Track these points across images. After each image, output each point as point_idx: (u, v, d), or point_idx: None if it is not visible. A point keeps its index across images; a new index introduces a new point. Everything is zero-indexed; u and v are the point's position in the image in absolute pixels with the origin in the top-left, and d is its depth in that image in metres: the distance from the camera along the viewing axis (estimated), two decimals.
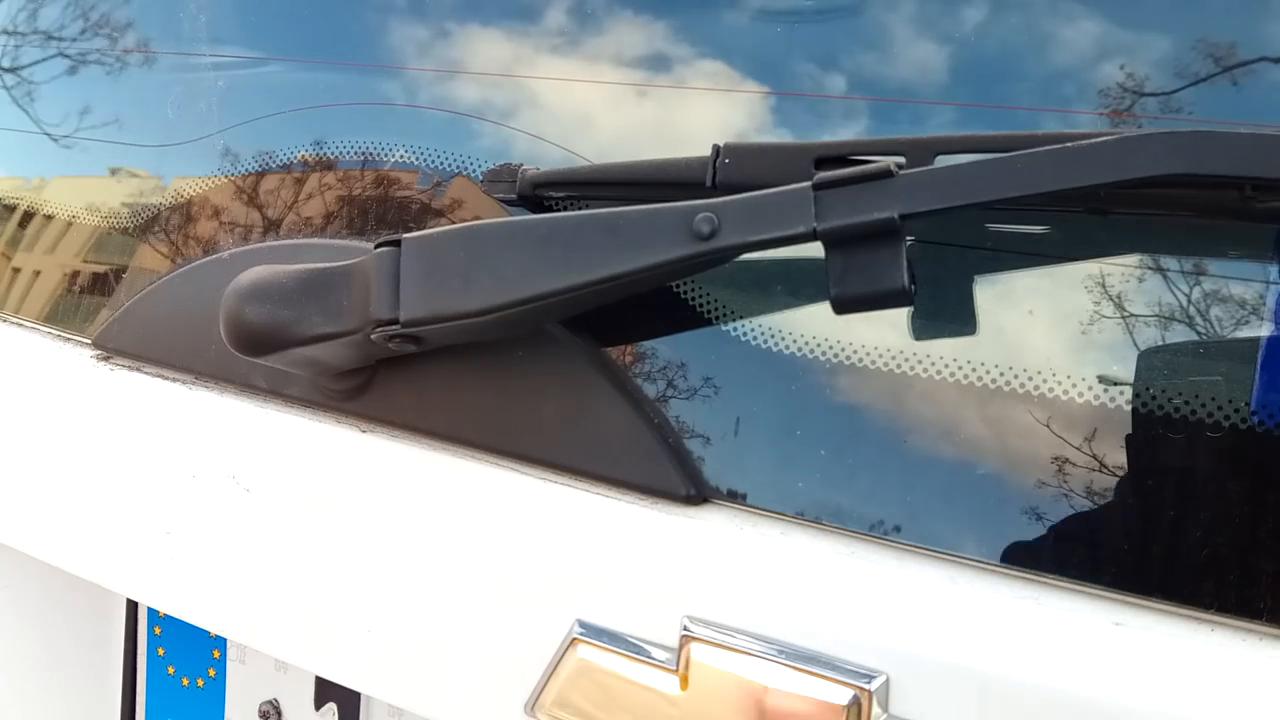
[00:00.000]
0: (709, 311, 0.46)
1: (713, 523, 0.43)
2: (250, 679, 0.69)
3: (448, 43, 0.57)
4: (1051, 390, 0.39)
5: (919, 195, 0.36)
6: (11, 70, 0.77)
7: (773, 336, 0.44)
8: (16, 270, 0.74)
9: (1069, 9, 0.43)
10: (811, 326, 0.44)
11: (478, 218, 0.53)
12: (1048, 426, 0.39)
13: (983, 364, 0.40)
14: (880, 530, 0.41)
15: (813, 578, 0.41)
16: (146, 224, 0.66)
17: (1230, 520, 0.36)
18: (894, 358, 0.42)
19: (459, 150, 0.55)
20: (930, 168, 0.37)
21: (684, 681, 0.41)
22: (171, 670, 0.72)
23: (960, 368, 0.41)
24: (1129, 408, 0.38)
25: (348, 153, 0.58)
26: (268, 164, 0.61)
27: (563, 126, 0.53)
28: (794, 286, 0.45)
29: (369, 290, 0.44)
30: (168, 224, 0.65)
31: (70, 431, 0.61)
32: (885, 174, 0.36)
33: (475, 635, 0.46)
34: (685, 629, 0.41)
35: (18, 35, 0.77)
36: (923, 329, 0.42)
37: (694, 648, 0.41)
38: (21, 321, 0.71)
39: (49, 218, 0.73)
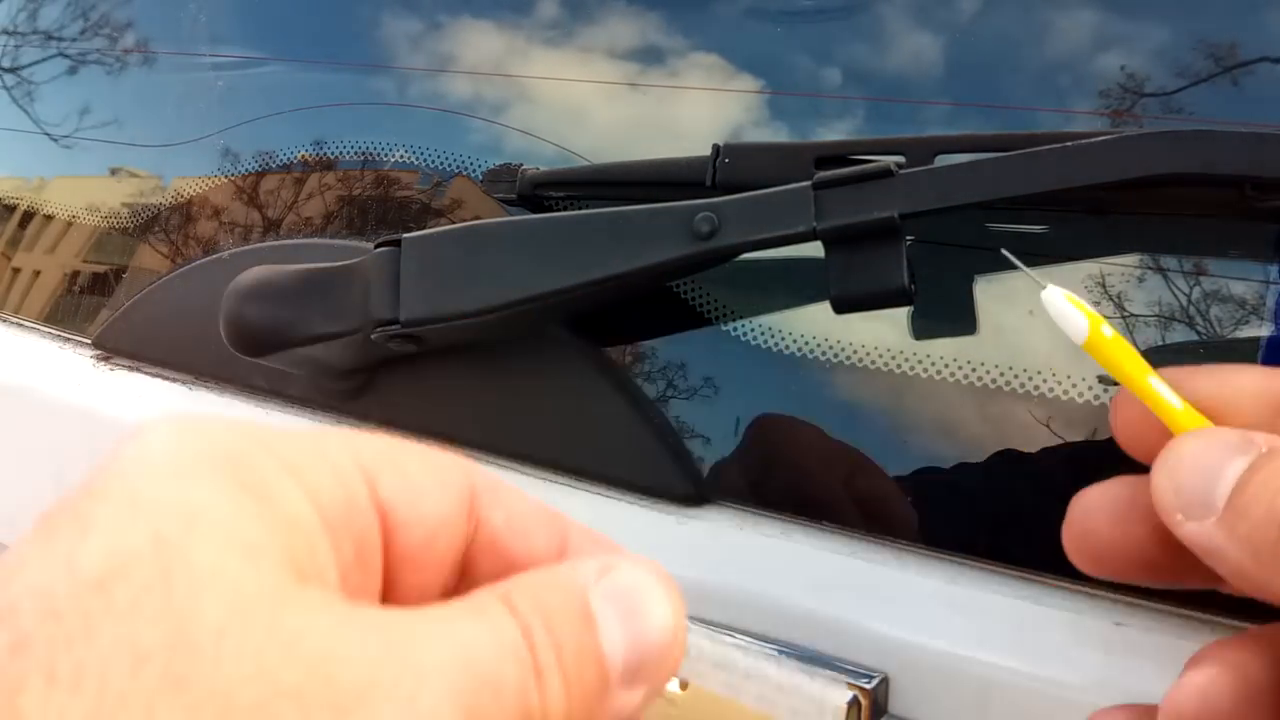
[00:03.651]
0: (709, 311, 0.46)
1: (713, 523, 0.43)
2: None
3: (447, 41, 0.57)
4: (1051, 390, 0.39)
5: (919, 194, 0.36)
6: (11, 70, 0.77)
7: (773, 336, 0.44)
8: (16, 270, 0.74)
9: (1069, 6, 0.43)
10: (811, 326, 0.44)
11: (478, 218, 0.53)
12: (1048, 426, 0.39)
13: (983, 364, 0.40)
14: (880, 530, 0.41)
15: (813, 578, 0.41)
16: (146, 224, 0.66)
17: None
18: (894, 357, 0.42)
19: (459, 150, 0.55)
20: (930, 167, 0.37)
21: (683, 682, 0.41)
22: None
23: (960, 368, 0.41)
24: None
25: (348, 153, 0.58)
26: (268, 164, 0.61)
27: (562, 126, 0.53)
28: (794, 286, 0.45)
29: (369, 290, 0.44)
30: (168, 224, 0.65)
31: (70, 432, 0.61)
32: (885, 173, 0.36)
33: None
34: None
35: (18, 35, 0.77)
36: (923, 329, 0.42)
37: (694, 648, 0.41)
38: (21, 321, 0.71)
39: (49, 218, 0.73)
